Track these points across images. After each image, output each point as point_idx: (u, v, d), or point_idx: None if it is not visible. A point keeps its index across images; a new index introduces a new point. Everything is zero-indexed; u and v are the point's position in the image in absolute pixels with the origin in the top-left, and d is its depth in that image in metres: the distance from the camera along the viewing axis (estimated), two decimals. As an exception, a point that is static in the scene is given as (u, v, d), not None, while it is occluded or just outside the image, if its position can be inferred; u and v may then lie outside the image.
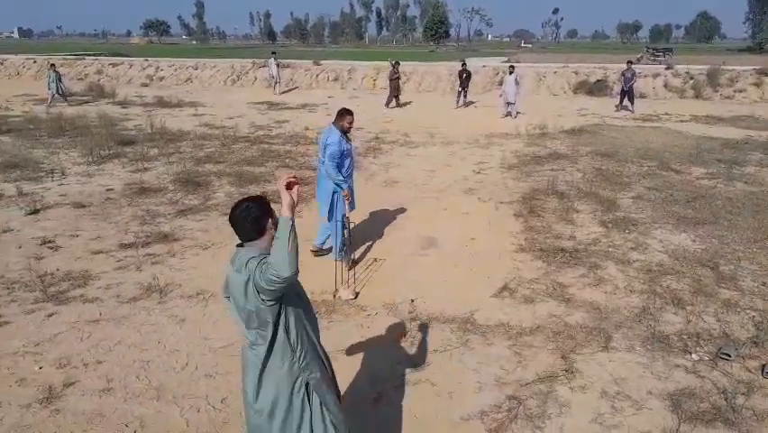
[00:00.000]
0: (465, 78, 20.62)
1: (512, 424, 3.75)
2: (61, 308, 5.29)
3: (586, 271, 6.14)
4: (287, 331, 2.55)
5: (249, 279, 2.41)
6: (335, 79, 27.54)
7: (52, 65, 21.83)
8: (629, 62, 20.15)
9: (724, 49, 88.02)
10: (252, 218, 2.55)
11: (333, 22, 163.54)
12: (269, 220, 2.62)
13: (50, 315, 5.17)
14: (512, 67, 18.88)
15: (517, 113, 18.00)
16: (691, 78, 23.88)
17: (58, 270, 6.13)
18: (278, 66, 25.23)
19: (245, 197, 2.68)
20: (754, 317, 5.13)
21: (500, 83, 24.08)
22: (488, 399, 4.02)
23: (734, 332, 4.87)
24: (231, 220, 2.59)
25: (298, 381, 2.60)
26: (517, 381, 4.22)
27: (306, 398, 2.62)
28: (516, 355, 4.55)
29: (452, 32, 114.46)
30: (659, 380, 4.22)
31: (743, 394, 4.01)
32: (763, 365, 4.33)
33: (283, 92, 25.15)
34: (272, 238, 2.54)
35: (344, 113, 6.06)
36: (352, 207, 6.27)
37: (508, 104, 18.00)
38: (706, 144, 13.01)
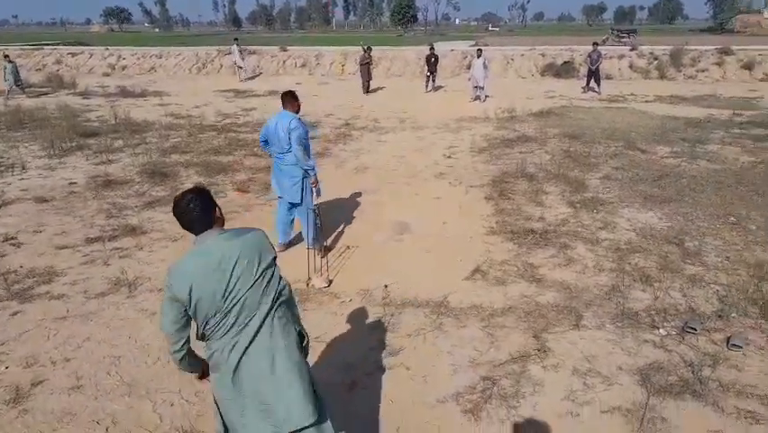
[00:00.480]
0: (433, 62, 20.59)
1: (486, 404, 3.79)
2: (26, 306, 5.15)
3: (556, 251, 6.22)
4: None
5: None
6: (303, 65, 27.24)
7: (6, 56, 21.11)
8: (595, 44, 20.42)
9: (686, 29, 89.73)
10: (201, 209, 2.53)
11: (300, 7, 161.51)
12: (217, 208, 2.63)
13: (15, 313, 5.03)
14: (480, 50, 18.81)
15: (486, 96, 18.06)
16: (655, 59, 24.27)
17: (21, 267, 5.96)
18: (240, 52, 24.85)
19: (187, 190, 2.61)
20: (718, 291, 5.27)
21: (468, 67, 24.18)
22: (462, 380, 4.05)
23: (699, 306, 5.00)
24: (176, 213, 2.55)
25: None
26: (491, 361, 4.27)
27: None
28: (490, 337, 4.60)
29: (420, 16, 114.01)
30: (628, 355, 4.32)
31: (709, 366, 4.13)
32: (728, 338, 4.45)
33: (248, 78, 24.80)
34: (221, 224, 2.62)
35: (294, 97, 5.86)
36: (318, 193, 6.18)
37: (477, 87, 18.01)
38: (670, 124, 13.26)
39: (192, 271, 2.44)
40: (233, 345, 2.48)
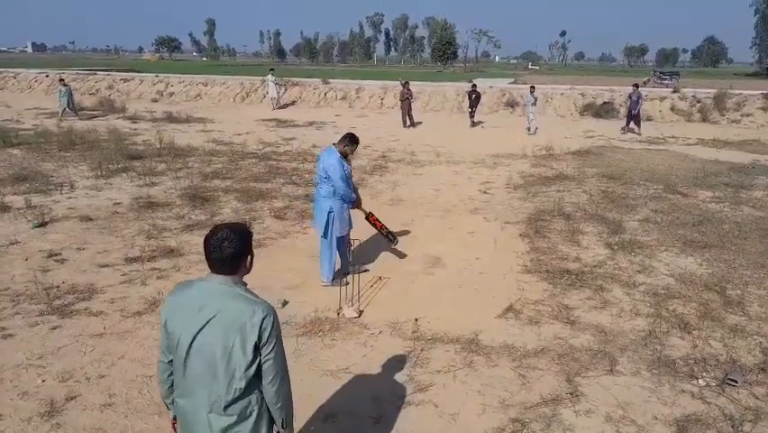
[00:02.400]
0: (474, 98, 20.92)
1: (515, 447, 3.71)
2: (66, 321, 5.30)
3: (591, 293, 6.11)
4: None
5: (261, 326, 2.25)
6: (343, 98, 27.75)
7: (62, 80, 22.15)
8: (635, 85, 20.25)
9: (731, 73, 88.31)
10: (232, 252, 2.28)
11: (342, 41, 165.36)
12: (249, 258, 2.38)
13: (54, 328, 5.18)
14: (533, 87, 20.23)
15: (536, 129, 19.14)
16: (698, 102, 23.92)
17: (63, 282, 6.15)
18: (275, 82, 25.60)
19: (226, 223, 2.41)
20: (761, 342, 5.08)
21: (507, 104, 24.39)
22: (491, 421, 3.98)
23: (741, 358, 4.82)
24: (206, 246, 2.31)
25: None
26: (522, 403, 4.18)
27: None
28: (521, 378, 4.51)
29: (460, 52, 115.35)
30: (665, 405, 4.17)
31: (750, 421, 3.96)
32: (771, 392, 4.27)
33: (278, 108, 25.38)
34: (245, 273, 2.39)
35: (353, 140, 6.15)
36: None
37: (530, 120, 19.31)
38: (712, 168, 12.99)
39: (175, 303, 2.33)
40: (179, 402, 2.39)
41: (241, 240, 2.30)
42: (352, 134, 6.22)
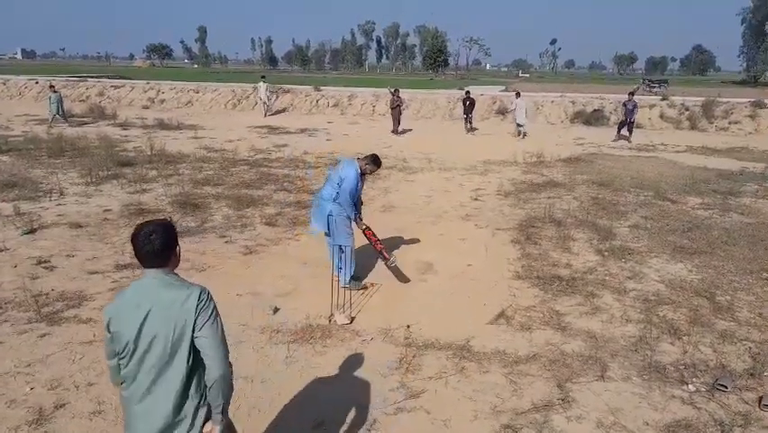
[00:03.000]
0: (468, 105, 21.10)
1: (507, 453, 3.70)
2: (54, 329, 5.25)
3: (582, 299, 6.13)
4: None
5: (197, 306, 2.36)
6: (335, 105, 27.79)
7: (52, 86, 22.04)
8: (631, 93, 20.26)
9: (719, 81, 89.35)
10: (161, 243, 2.39)
11: (334, 49, 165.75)
12: (177, 248, 2.50)
13: (43, 335, 5.13)
14: (518, 92, 21.60)
15: (524, 133, 19.94)
16: (687, 110, 24.16)
17: (52, 290, 6.10)
18: (267, 90, 25.68)
19: (149, 220, 2.52)
20: (750, 348, 5.11)
21: (498, 111, 24.60)
22: (483, 428, 3.97)
23: (730, 363, 4.85)
24: (134, 242, 2.40)
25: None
26: (513, 409, 4.18)
27: None
28: (512, 384, 4.52)
29: (451, 60, 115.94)
30: (655, 410, 4.19)
31: (740, 426, 3.98)
32: (760, 397, 4.30)
33: (270, 115, 25.36)
34: (175, 265, 2.51)
35: (375, 161, 6.35)
36: (352, 234, 6.37)
37: (519, 125, 20.10)
38: (701, 175, 13.10)
39: (116, 304, 2.42)
40: (131, 399, 2.43)
41: (166, 232, 2.43)
42: (377, 156, 6.41)
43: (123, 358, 2.41)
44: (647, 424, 4.03)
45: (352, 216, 6.33)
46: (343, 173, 6.13)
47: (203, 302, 2.38)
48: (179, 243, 2.55)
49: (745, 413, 4.14)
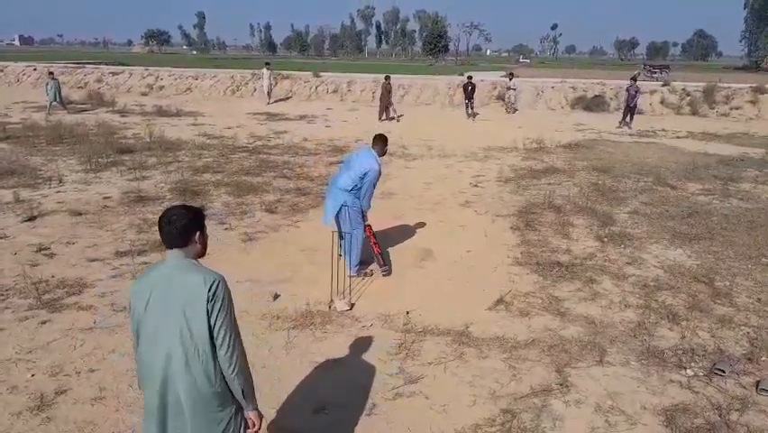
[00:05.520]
0: (470, 90, 21.06)
1: (506, 438, 3.73)
2: (55, 316, 5.27)
3: (581, 285, 6.15)
4: None
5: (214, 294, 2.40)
6: (335, 91, 27.65)
7: (50, 73, 21.90)
8: (633, 78, 20.14)
9: (720, 66, 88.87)
10: (182, 225, 2.46)
11: (333, 34, 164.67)
12: (198, 233, 2.54)
13: (44, 322, 5.15)
14: (511, 74, 23.46)
15: (515, 109, 22.46)
16: (688, 95, 24.05)
17: (53, 277, 6.11)
18: (271, 77, 25.44)
19: (181, 204, 2.64)
20: (748, 333, 5.14)
21: (498, 97, 24.57)
22: (482, 412, 4.00)
23: (728, 348, 4.87)
24: (159, 223, 2.49)
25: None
26: (512, 394, 4.21)
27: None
28: (511, 369, 4.54)
29: (451, 46, 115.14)
30: (653, 395, 4.22)
31: (737, 410, 4.01)
32: (758, 381, 4.32)
33: (273, 102, 25.19)
34: (197, 251, 2.56)
35: (386, 142, 6.35)
36: (363, 222, 6.41)
37: (511, 105, 22.48)
38: (702, 160, 13.08)
39: (138, 280, 2.54)
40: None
41: (190, 216, 2.50)
42: (384, 136, 6.41)
43: (140, 345, 2.49)
44: (645, 408, 4.05)
45: (367, 209, 6.35)
46: (366, 165, 6.10)
47: (219, 288, 2.41)
48: (204, 231, 2.60)
49: (742, 397, 4.17)
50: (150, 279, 2.49)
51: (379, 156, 6.26)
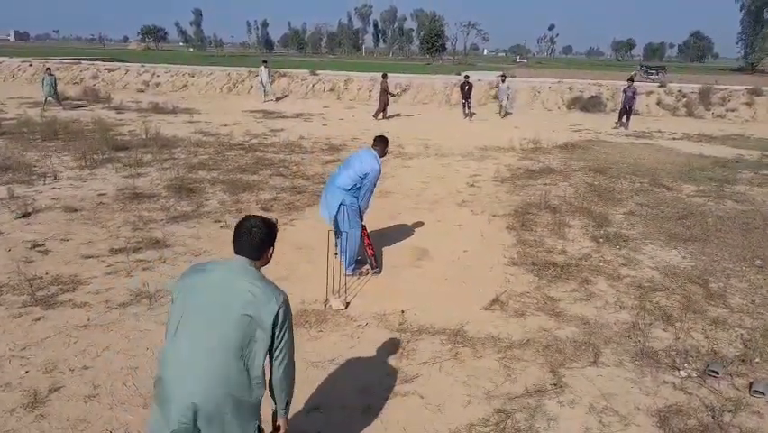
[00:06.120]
0: (467, 90, 21.09)
1: (500, 437, 3.74)
2: (49, 313, 5.24)
3: (577, 285, 6.16)
4: None
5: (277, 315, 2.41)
6: (331, 90, 27.62)
7: (48, 69, 21.79)
8: (630, 79, 20.17)
9: (716, 68, 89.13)
10: (260, 238, 2.53)
11: (331, 32, 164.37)
12: (271, 249, 2.63)
13: (38, 319, 5.13)
14: (503, 76, 22.99)
15: (506, 113, 22.02)
16: (684, 97, 24.12)
17: (47, 274, 6.08)
18: (269, 75, 25.35)
19: (259, 215, 2.66)
20: (742, 334, 5.16)
21: (495, 97, 24.60)
22: (476, 412, 4.01)
23: (722, 349, 4.89)
24: (237, 230, 2.55)
25: None
26: (506, 394, 4.21)
27: None
28: (506, 369, 4.55)
29: (449, 45, 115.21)
30: (647, 396, 4.23)
31: (730, 412, 4.03)
32: (751, 383, 4.34)
33: (268, 101, 25.07)
34: (263, 263, 2.61)
35: (386, 143, 6.39)
36: (360, 220, 6.44)
37: (502, 105, 22.14)
38: (697, 162, 13.12)
39: (190, 272, 2.55)
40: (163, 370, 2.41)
41: (268, 230, 2.57)
42: (385, 138, 6.43)
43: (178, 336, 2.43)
44: (639, 409, 4.07)
45: (365, 210, 6.37)
46: (367, 166, 6.10)
47: (284, 309, 2.45)
48: (275, 246, 2.66)
49: (735, 399, 4.19)
50: (210, 277, 2.48)
51: (380, 157, 6.28)
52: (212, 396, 2.30)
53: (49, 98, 20.07)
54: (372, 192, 6.32)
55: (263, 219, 2.60)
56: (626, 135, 17.86)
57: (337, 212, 6.16)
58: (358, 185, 6.12)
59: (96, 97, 23.68)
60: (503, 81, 22.33)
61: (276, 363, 2.46)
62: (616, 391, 4.27)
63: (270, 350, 2.44)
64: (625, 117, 19.29)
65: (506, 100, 22.13)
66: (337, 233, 6.28)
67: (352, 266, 6.35)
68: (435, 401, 4.12)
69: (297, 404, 4.04)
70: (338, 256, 6.32)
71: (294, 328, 2.65)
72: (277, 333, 2.42)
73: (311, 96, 27.04)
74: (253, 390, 2.40)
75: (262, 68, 25.41)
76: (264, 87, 25.29)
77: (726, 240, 7.66)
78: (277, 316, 2.39)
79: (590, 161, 12.95)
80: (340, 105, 24.51)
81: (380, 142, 6.35)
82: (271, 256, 2.66)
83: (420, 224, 8.33)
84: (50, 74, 20.57)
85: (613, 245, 7.42)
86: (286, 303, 2.46)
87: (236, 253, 2.53)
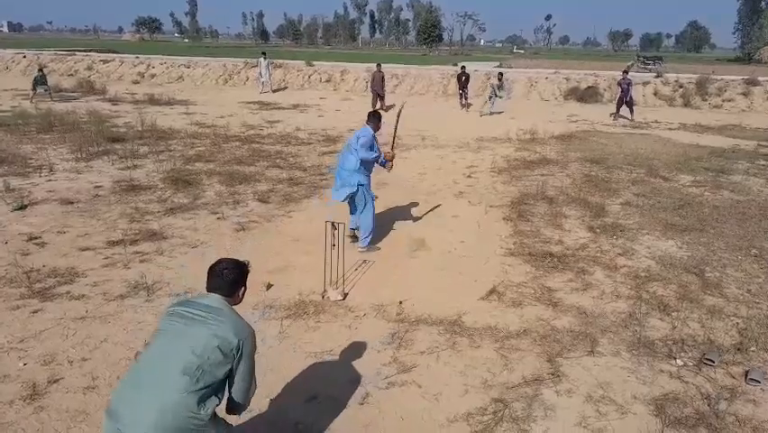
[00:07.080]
0: (464, 80, 21.03)
1: (497, 427, 3.77)
2: (47, 305, 5.24)
3: (573, 275, 6.18)
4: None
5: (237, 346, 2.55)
6: (328, 81, 27.53)
7: (41, 69, 21.67)
8: (624, 71, 20.10)
9: (713, 58, 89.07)
10: (232, 279, 2.74)
11: (327, 23, 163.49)
12: (243, 288, 2.82)
13: (36, 311, 5.13)
14: (500, 74, 21.45)
15: (490, 112, 20.19)
16: (681, 87, 24.12)
17: (44, 266, 6.07)
18: (267, 66, 25.18)
19: (231, 258, 2.86)
20: (738, 323, 5.19)
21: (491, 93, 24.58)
22: (474, 401, 4.03)
23: (718, 338, 4.92)
24: (211, 271, 2.75)
25: None
26: (504, 384, 4.24)
27: None
28: (503, 358, 4.57)
29: (445, 36, 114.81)
30: (644, 384, 4.26)
31: (726, 400, 4.06)
32: (747, 371, 4.38)
33: (265, 92, 24.91)
34: (235, 301, 2.80)
35: (379, 117, 6.86)
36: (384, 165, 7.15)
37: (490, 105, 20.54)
38: (694, 152, 13.14)
39: (178, 301, 2.77)
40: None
41: (238, 271, 2.78)
42: (377, 113, 6.99)
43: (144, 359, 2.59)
44: (635, 398, 4.09)
45: (381, 160, 6.92)
46: (359, 133, 6.63)
47: (248, 341, 2.61)
48: (246, 285, 2.86)
49: (731, 387, 4.22)
50: (187, 307, 2.65)
51: (374, 132, 6.69)
52: (161, 425, 2.34)
53: (38, 91, 19.88)
54: (374, 150, 6.71)
55: (235, 261, 2.81)
56: (623, 126, 17.85)
57: (356, 191, 6.52)
58: (361, 154, 6.52)
59: (90, 89, 23.54)
60: (499, 80, 20.93)
61: (234, 388, 2.63)
62: (612, 381, 4.30)
63: (229, 378, 2.58)
64: (623, 109, 19.14)
65: (498, 100, 20.57)
66: (352, 210, 6.75)
67: (368, 239, 6.73)
68: (433, 391, 4.14)
69: (295, 394, 4.07)
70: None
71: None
72: (236, 363, 2.56)
73: (307, 88, 26.95)
74: (201, 409, 2.42)
75: (261, 59, 25.26)
76: (262, 78, 25.15)
77: (722, 230, 7.69)
78: (239, 346, 2.55)
79: (587, 152, 12.96)
80: (336, 97, 24.43)
81: (373, 118, 6.78)
82: (242, 296, 2.84)
83: (417, 214, 8.33)
84: (42, 74, 20.49)
85: (610, 236, 7.44)
86: (251, 336, 2.64)
87: (208, 290, 2.74)
